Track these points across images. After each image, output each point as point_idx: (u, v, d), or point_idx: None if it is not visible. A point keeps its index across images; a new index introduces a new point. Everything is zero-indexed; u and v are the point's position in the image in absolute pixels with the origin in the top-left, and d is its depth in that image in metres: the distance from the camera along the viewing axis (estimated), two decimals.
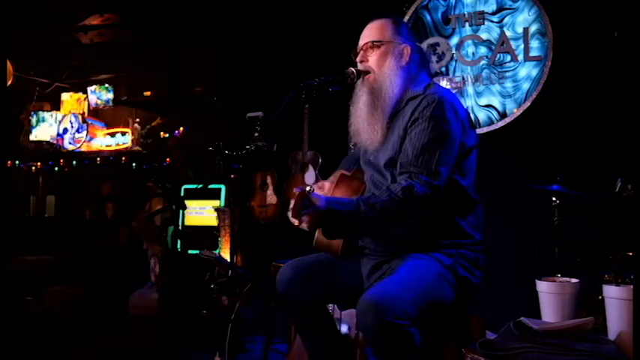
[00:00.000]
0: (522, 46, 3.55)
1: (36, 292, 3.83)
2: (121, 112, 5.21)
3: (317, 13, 4.15)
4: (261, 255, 3.95)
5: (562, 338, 1.89)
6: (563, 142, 3.31)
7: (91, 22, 5.16)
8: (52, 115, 5.16)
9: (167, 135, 4.81)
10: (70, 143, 5.09)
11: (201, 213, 4.44)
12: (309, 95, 2.02)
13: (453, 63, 3.77)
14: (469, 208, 1.97)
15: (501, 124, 3.60)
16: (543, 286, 2.39)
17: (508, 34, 3.60)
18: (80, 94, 5.25)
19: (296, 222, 1.79)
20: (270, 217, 4.12)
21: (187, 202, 4.17)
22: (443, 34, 3.82)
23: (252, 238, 4.14)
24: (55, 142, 5.09)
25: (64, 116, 5.13)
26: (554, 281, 2.43)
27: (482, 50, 3.68)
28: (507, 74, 3.59)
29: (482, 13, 3.69)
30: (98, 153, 5.02)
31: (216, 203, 4.33)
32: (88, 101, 5.23)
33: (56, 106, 5.30)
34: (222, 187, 4.36)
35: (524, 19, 3.56)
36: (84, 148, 5.06)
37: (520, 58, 3.56)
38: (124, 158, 4.84)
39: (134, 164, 4.80)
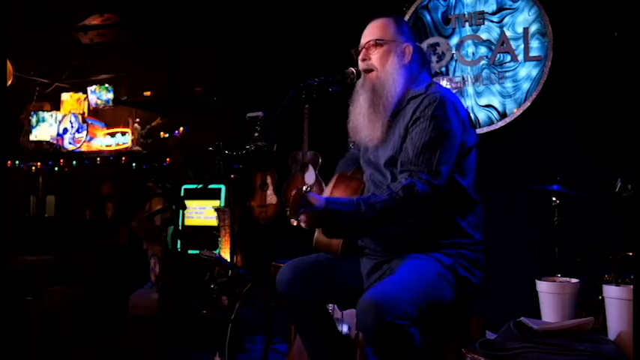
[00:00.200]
0: (522, 46, 3.55)
1: (36, 292, 3.83)
2: (121, 112, 5.21)
3: (317, 13, 4.15)
4: (261, 255, 3.95)
5: (562, 338, 1.89)
6: (563, 142, 3.30)
7: (91, 22, 5.16)
8: (52, 115, 5.16)
9: (167, 135, 4.81)
10: (70, 143, 5.08)
11: (201, 213, 4.44)
12: (309, 95, 2.02)
13: (453, 63, 3.77)
14: (469, 208, 1.97)
15: (501, 124, 3.60)
16: (543, 286, 2.39)
17: (508, 34, 3.60)
18: (80, 94, 5.25)
19: (294, 221, 1.80)
20: (270, 217, 4.11)
21: (187, 202, 4.18)
22: (443, 34, 3.82)
23: (252, 238, 4.14)
24: (55, 142, 5.09)
25: (64, 116, 5.12)
26: (554, 281, 2.43)
27: (482, 50, 3.68)
28: (507, 74, 3.59)
29: (482, 13, 3.69)
30: (98, 153, 5.01)
31: (216, 203, 4.32)
32: (88, 101, 5.23)
33: (56, 106, 5.30)
34: (222, 187, 4.35)
35: (524, 19, 3.56)
36: (84, 148, 5.05)
37: (520, 58, 3.56)
38: (124, 158, 4.83)
39: (134, 164, 4.79)
